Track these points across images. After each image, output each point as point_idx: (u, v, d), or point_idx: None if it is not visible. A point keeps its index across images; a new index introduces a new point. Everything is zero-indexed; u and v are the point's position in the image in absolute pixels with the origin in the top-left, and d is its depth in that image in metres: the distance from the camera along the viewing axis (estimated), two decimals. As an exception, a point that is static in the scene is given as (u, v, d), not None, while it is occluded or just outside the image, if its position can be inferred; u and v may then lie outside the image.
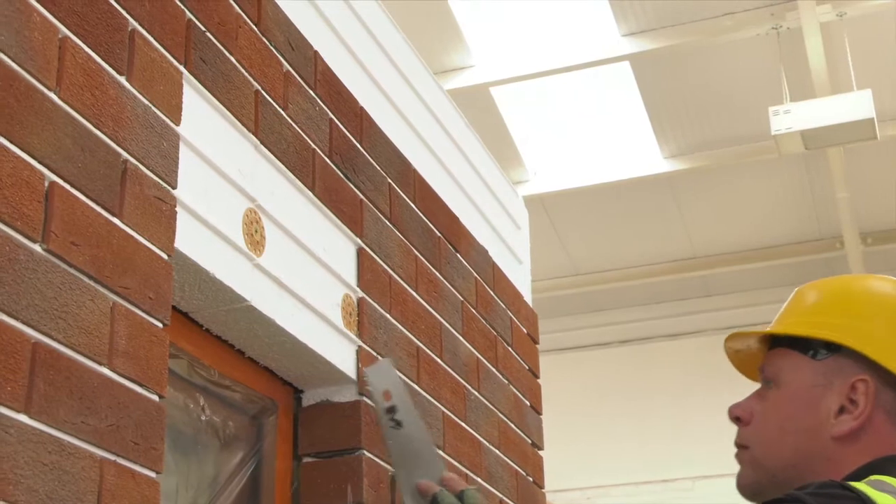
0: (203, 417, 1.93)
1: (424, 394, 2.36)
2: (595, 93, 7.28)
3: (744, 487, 1.52)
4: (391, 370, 1.70)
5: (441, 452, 2.39)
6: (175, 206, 1.61)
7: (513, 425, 2.88)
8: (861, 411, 1.44)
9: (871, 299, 1.55)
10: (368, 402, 2.06)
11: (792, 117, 6.15)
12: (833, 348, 1.49)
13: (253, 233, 1.82)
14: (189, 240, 1.65)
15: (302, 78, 2.06)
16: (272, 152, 1.91)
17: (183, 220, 1.64)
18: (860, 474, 1.37)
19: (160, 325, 1.53)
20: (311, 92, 2.09)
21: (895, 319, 1.49)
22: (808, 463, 1.45)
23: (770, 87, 6.77)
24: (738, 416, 1.56)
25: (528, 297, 3.23)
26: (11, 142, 1.31)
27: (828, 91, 6.53)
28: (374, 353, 2.17)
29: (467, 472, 2.52)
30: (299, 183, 1.99)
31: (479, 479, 2.58)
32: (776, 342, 1.57)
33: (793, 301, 1.60)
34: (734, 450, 1.55)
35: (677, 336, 9.53)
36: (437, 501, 1.58)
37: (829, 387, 1.47)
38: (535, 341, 3.22)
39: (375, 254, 2.25)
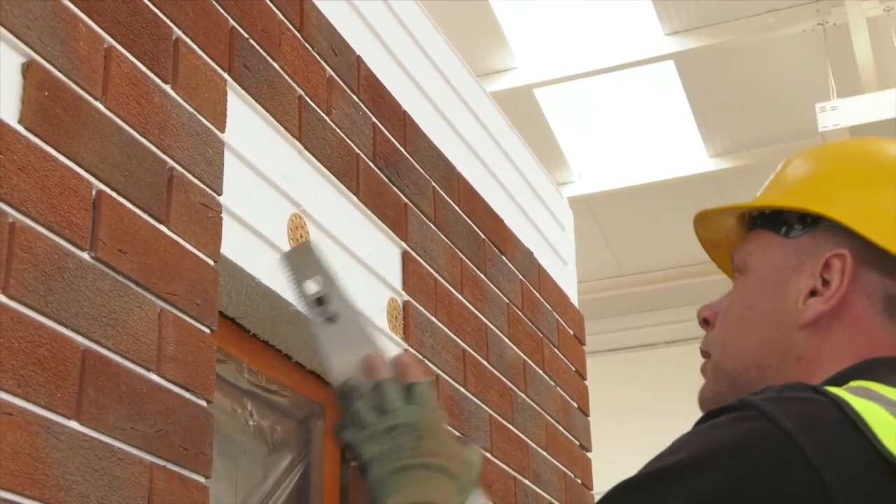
0: (251, 422, 1.94)
1: (471, 396, 2.36)
2: (639, 92, 7.24)
3: (703, 403, 1.26)
4: (314, 253, 1.39)
5: (488, 455, 2.38)
6: (221, 213, 1.62)
7: (560, 427, 2.87)
8: (833, 292, 1.14)
9: (861, 161, 1.23)
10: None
11: (839, 114, 6.08)
12: (809, 222, 1.19)
13: (298, 238, 1.83)
14: (235, 245, 1.66)
15: (345, 83, 2.07)
16: (316, 157, 1.92)
17: (229, 226, 1.64)
18: (839, 379, 1.07)
19: (207, 330, 1.54)
20: (355, 97, 2.10)
21: (886, 183, 1.17)
22: (773, 361, 1.17)
23: (816, 84, 6.70)
24: (705, 318, 1.30)
25: (573, 299, 3.22)
26: (59, 151, 1.32)
27: (875, 86, 6.46)
28: (421, 356, 2.17)
29: (515, 474, 2.51)
30: (343, 187, 2.00)
31: (527, 482, 2.57)
32: (755, 224, 1.27)
33: (778, 172, 1.31)
34: None
35: (725, 336, 9.46)
36: (382, 389, 1.23)
37: (800, 268, 1.18)
38: (582, 343, 3.20)
39: (420, 257, 2.25)
